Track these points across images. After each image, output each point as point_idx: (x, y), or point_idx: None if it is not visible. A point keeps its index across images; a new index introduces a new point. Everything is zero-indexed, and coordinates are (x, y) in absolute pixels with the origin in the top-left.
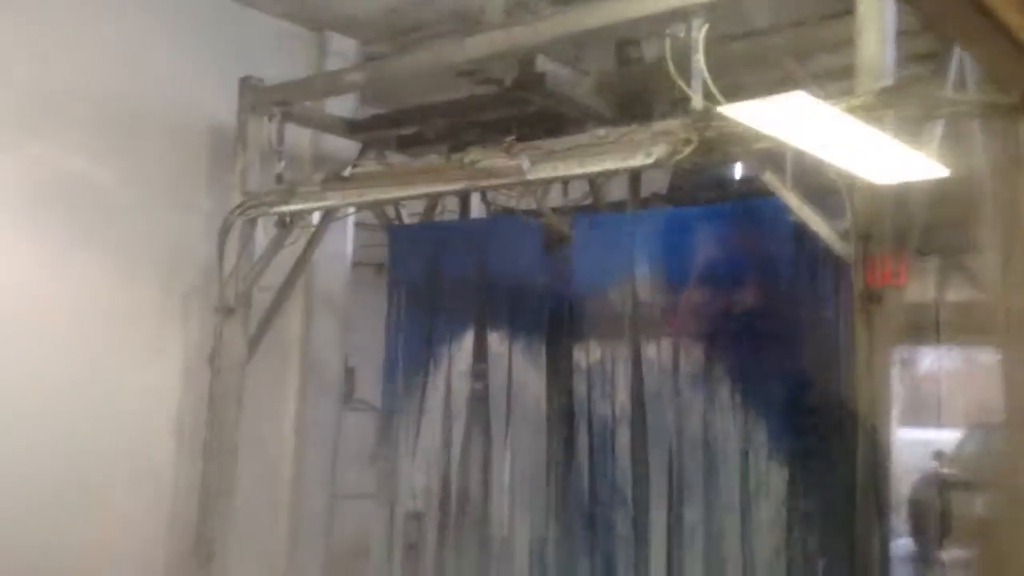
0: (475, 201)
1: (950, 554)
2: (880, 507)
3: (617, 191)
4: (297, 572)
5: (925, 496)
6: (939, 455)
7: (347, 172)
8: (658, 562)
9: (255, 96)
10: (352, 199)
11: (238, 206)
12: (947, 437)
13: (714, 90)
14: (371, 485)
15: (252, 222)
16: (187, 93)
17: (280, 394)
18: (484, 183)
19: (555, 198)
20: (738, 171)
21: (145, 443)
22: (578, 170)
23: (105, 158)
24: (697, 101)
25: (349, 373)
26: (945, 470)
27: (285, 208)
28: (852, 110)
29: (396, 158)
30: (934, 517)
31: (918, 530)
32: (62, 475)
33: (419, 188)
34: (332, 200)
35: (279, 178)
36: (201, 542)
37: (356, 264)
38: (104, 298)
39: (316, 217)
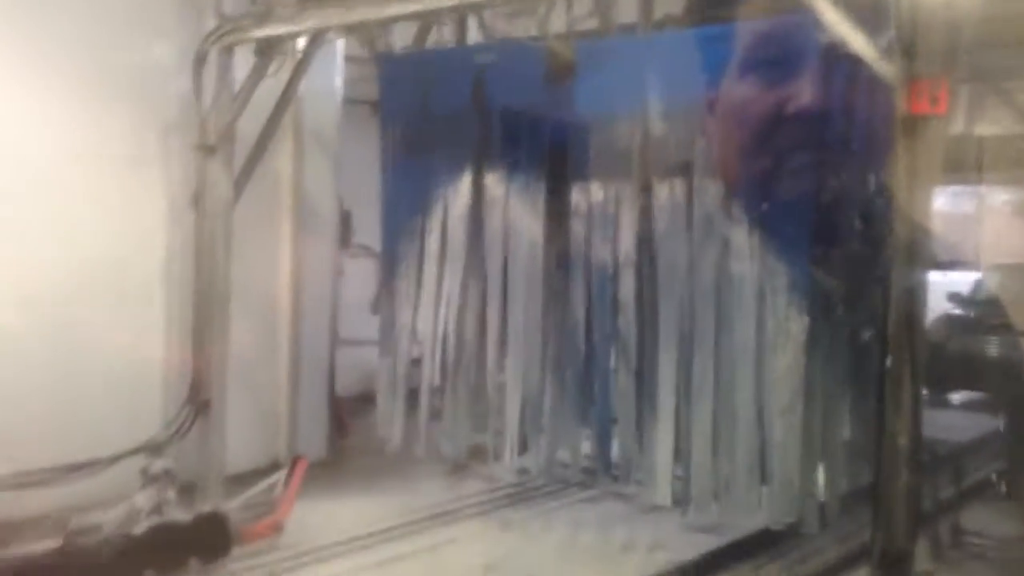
0: (473, 32)
1: (965, 394)
2: (913, 352)
3: (627, 14)
4: (299, 419)
5: (938, 338)
6: (954, 296)
7: None
8: (665, 417)
9: None
10: (334, 20)
11: (212, 32)
12: (962, 279)
13: None
14: (374, 331)
15: (229, 51)
16: None
17: (272, 238)
18: None
19: (559, 25)
20: None
21: (132, 292)
22: None
23: None
24: None
25: (345, 217)
26: (959, 312)
27: (262, 32)
28: None
29: None
30: (946, 359)
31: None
32: (48, 335)
33: (404, 6)
34: (313, 21)
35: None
36: (195, 390)
37: (350, 101)
38: (72, 139)
39: (301, 44)
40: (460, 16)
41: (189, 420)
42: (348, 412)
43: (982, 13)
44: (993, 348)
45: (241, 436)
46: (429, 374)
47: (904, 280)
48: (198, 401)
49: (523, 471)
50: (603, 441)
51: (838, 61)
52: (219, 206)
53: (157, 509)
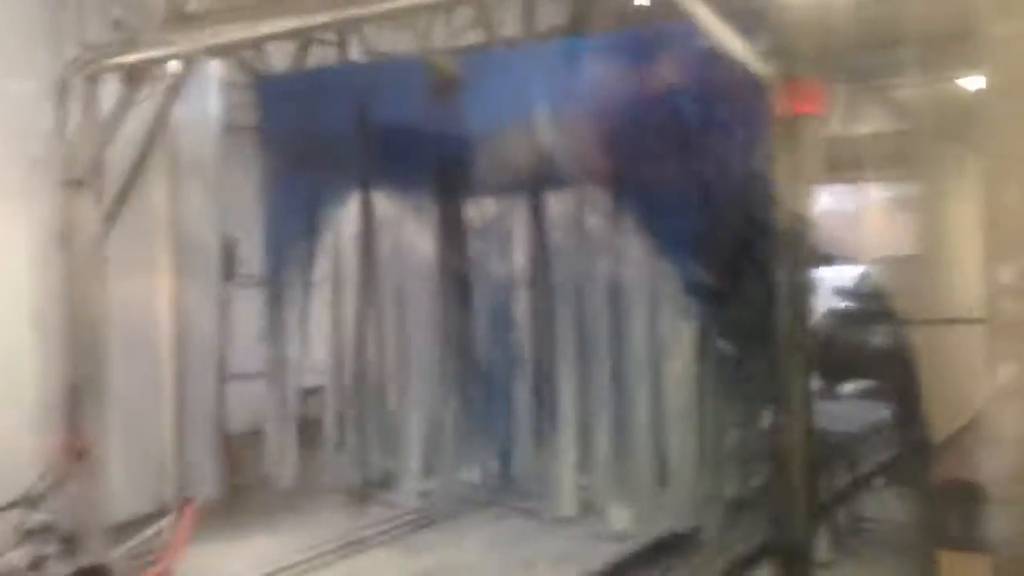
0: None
1: (856, 385)
2: (801, 347)
3: (511, 27)
4: (187, 460)
5: (826, 331)
6: (840, 291)
7: (189, 8)
8: (566, 429)
9: None
10: (204, 43)
11: (74, 60)
12: (847, 273)
13: None
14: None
15: (94, 79)
16: None
17: (149, 273)
18: (352, 12)
19: (441, 38)
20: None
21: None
22: None
23: None
24: None
25: (229, 247)
26: (845, 305)
27: (127, 59)
28: None
29: None
30: (835, 351)
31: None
32: None
33: (277, 24)
34: (181, 46)
35: (117, 24)
36: (71, 438)
37: (233, 128)
38: None
39: (174, 68)
40: (339, 34)
41: (66, 470)
42: (241, 448)
43: (853, 16)
44: (878, 338)
45: (125, 482)
46: (328, 402)
47: (788, 277)
48: (75, 449)
49: (427, 495)
50: (506, 458)
51: (720, 66)
52: (88, 243)
53: (35, 565)
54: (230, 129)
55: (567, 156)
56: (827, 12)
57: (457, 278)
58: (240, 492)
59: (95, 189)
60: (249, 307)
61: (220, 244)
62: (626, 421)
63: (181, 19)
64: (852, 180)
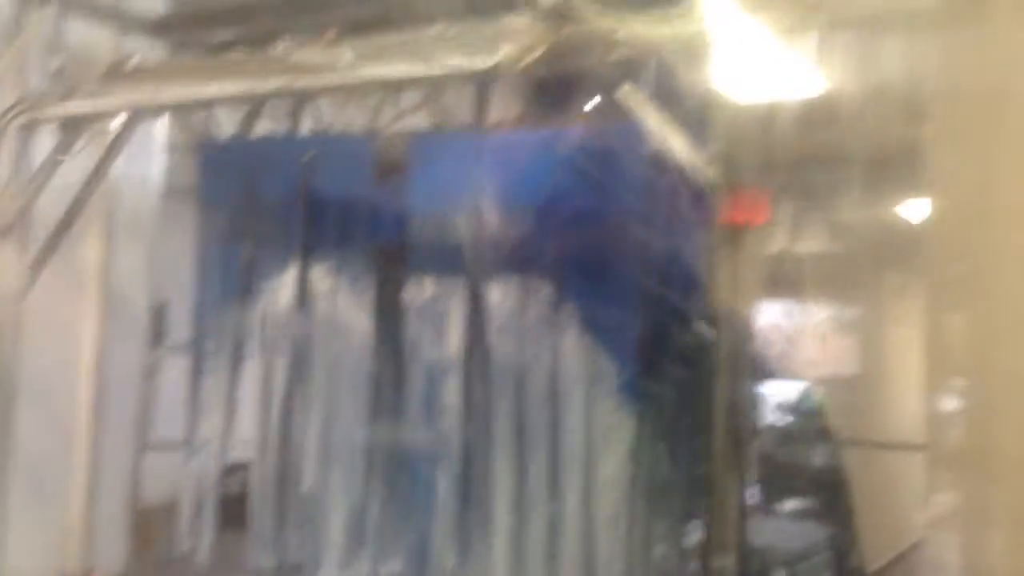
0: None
1: (790, 505)
2: (740, 464)
3: (466, 114)
4: (95, 530)
5: (766, 448)
6: (781, 407)
7: (131, 64)
8: (500, 528)
9: None
10: (145, 99)
11: (10, 108)
12: (788, 390)
13: None
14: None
15: (30, 128)
16: None
17: (72, 331)
18: (299, 83)
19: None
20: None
21: None
22: (409, 71)
23: None
24: None
25: (159, 311)
26: (785, 422)
27: (64, 110)
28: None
29: None
30: (775, 468)
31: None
32: None
33: (220, 86)
34: (121, 99)
35: (58, 74)
36: None
37: (173, 192)
38: None
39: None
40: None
41: None
42: (155, 522)
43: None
44: (817, 457)
45: (24, 549)
46: (249, 480)
47: (727, 391)
48: None
49: None
50: (426, 554)
51: (667, 169)
52: (8, 294)
53: None
54: (169, 191)
55: (508, 245)
56: (774, 123)
57: (390, 359)
58: (147, 568)
59: (20, 238)
60: (176, 375)
61: (150, 307)
62: (558, 523)
63: (124, 74)
64: (795, 297)
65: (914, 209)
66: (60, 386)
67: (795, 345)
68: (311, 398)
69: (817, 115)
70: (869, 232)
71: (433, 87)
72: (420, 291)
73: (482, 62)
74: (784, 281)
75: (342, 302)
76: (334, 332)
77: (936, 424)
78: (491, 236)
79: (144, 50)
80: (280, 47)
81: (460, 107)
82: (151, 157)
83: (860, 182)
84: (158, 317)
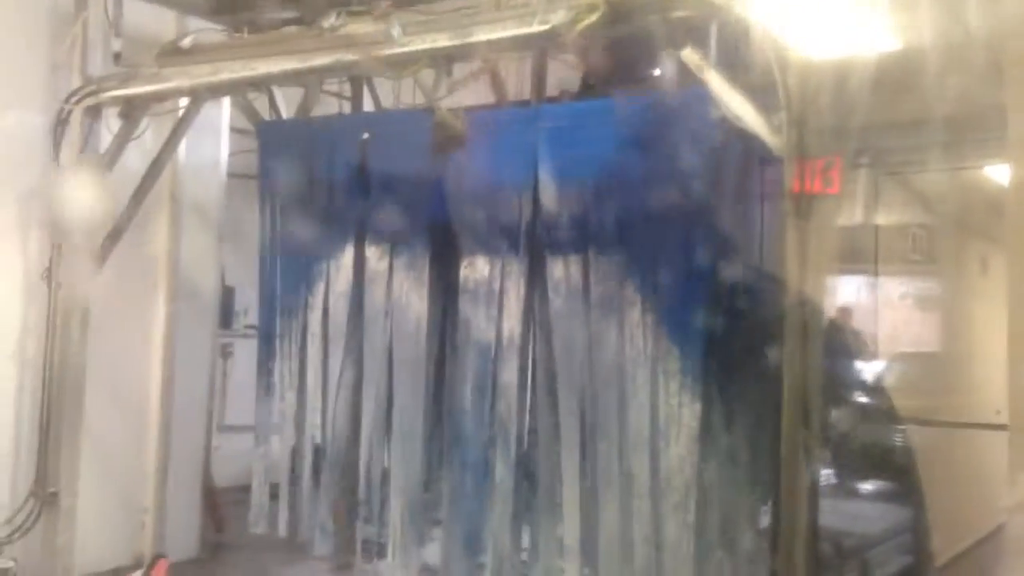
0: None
1: (863, 487)
2: (809, 443)
3: (523, 91)
4: (168, 512)
5: (843, 427)
6: (855, 385)
7: (185, 43)
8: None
9: None
10: (201, 80)
11: (73, 92)
12: (863, 368)
13: None
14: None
15: (94, 113)
16: None
17: (143, 315)
18: (350, 56)
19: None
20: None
21: None
22: (458, 40)
23: None
24: None
25: (228, 294)
26: (864, 400)
27: (125, 92)
28: None
29: None
30: (848, 450)
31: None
32: None
33: (273, 64)
34: (178, 81)
35: (117, 58)
36: (41, 481)
37: (239, 176)
38: None
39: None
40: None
41: (33, 514)
42: (227, 504)
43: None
44: (890, 438)
45: (98, 531)
46: (311, 462)
47: (797, 370)
48: (44, 493)
49: (426, 569)
50: (479, 537)
51: (735, 137)
52: (76, 278)
53: None
54: (234, 174)
55: (569, 220)
56: (846, 87)
57: (448, 339)
58: (220, 551)
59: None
60: (248, 358)
61: (218, 291)
62: (627, 509)
63: (181, 54)
64: (869, 271)
65: (996, 176)
66: (130, 371)
67: (870, 321)
68: (371, 380)
69: (892, 77)
70: (948, 201)
71: (489, 55)
72: (477, 269)
73: (533, 28)
74: (858, 253)
75: (397, 283)
76: (392, 312)
77: (1019, 403)
78: (551, 211)
79: (200, 30)
80: (330, 20)
81: (518, 80)
82: (216, 141)
83: (938, 148)
84: (226, 300)
